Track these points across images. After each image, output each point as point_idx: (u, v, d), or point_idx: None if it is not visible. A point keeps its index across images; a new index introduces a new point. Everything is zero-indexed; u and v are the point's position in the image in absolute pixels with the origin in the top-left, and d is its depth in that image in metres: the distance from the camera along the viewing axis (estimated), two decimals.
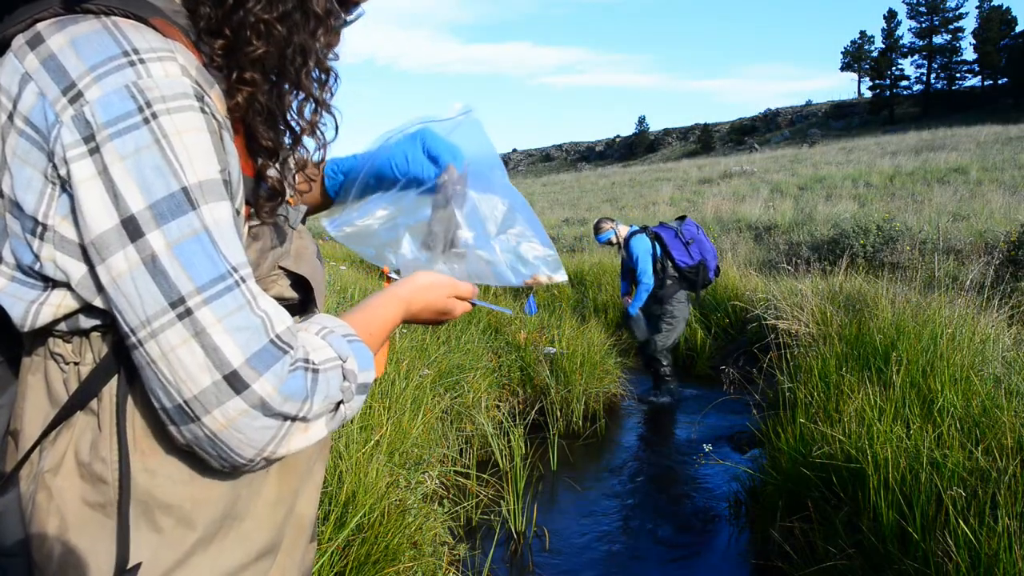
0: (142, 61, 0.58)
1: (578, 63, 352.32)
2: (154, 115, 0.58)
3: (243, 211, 0.69)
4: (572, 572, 2.94)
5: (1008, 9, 58.55)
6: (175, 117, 0.59)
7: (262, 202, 0.73)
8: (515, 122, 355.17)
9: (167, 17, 0.64)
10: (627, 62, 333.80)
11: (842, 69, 72.75)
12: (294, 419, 0.63)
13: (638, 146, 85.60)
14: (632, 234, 5.16)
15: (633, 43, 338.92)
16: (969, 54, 62.53)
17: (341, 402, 0.69)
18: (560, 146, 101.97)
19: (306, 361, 0.64)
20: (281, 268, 0.78)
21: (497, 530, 3.17)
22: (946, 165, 17.73)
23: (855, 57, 71.00)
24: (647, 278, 4.98)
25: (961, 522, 1.91)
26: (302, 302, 0.82)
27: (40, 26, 0.60)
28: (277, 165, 0.75)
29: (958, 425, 2.46)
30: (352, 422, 2.80)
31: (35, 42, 0.59)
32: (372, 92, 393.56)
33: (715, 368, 5.56)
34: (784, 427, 3.08)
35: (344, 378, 0.68)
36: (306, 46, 0.71)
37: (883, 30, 66.31)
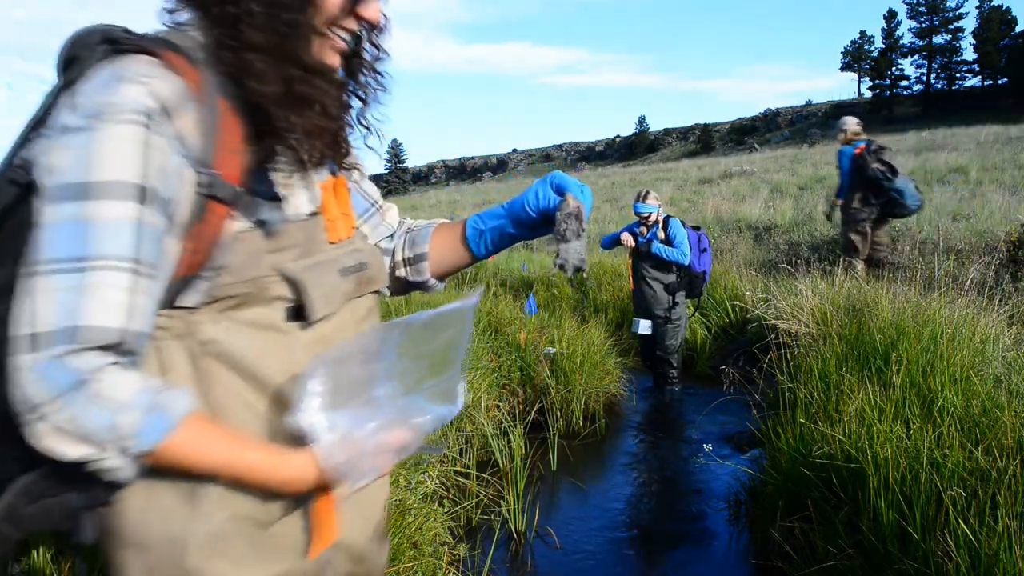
0: (119, 81, 0.72)
1: (578, 63, 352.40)
2: (96, 117, 0.70)
3: (209, 217, 0.77)
4: (572, 572, 2.94)
5: (1008, 9, 58.57)
6: (113, 123, 0.70)
7: (249, 204, 0.79)
8: (515, 122, 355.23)
9: (176, 49, 0.77)
10: (627, 62, 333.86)
11: (842, 69, 72.77)
12: (33, 407, 0.68)
13: (638, 146, 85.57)
14: (668, 216, 5.23)
15: (633, 43, 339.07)
16: (969, 54, 62.52)
17: (103, 448, 0.70)
18: (560, 146, 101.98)
19: (83, 375, 0.69)
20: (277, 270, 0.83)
21: (497, 530, 3.17)
22: (946, 165, 17.72)
23: (855, 57, 71.00)
24: (685, 248, 5.01)
25: (961, 522, 1.91)
26: (298, 307, 0.84)
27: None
28: (284, 166, 0.84)
29: (958, 425, 2.46)
30: None
31: None
32: None
33: (715, 368, 5.55)
34: (784, 427, 3.08)
35: (115, 426, 0.69)
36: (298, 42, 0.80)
37: (883, 30, 66.31)
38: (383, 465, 0.85)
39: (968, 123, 35.08)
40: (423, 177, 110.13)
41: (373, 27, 0.90)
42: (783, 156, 29.48)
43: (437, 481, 3.17)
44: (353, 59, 0.92)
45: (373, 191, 1.09)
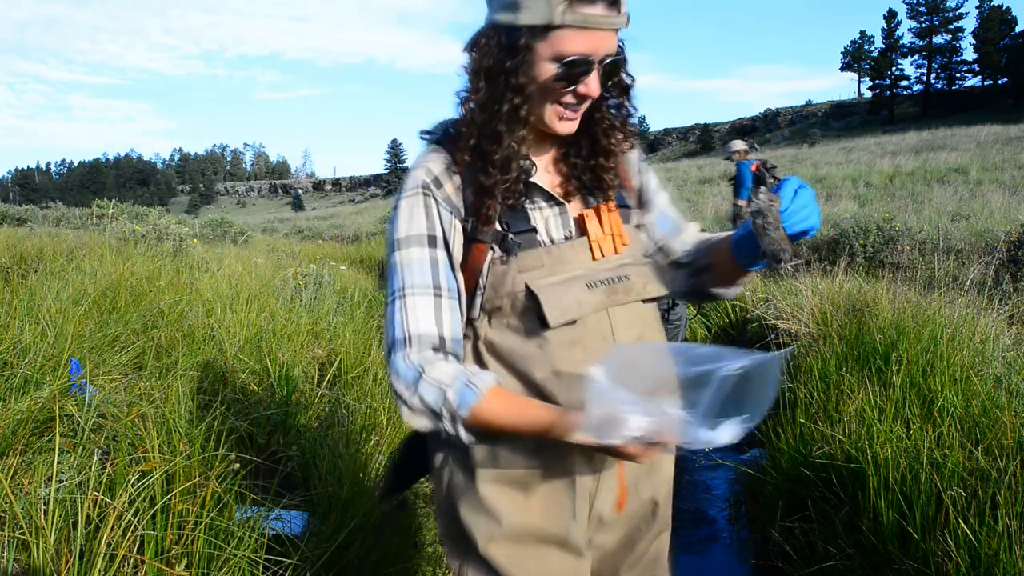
0: (413, 167, 1.10)
1: None
2: (400, 197, 1.08)
3: (474, 252, 1.08)
4: None
5: (1008, 9, 58.50)
6: (406, 198, 1.07)
7: (500, 239, 1.07)
8: None
9: (452, 136, 1.09)
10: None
11: (842, 69, 72.73)
12: (399, 397, 1.03)
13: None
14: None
15: (633, 43, 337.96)
16: (969, 54, 62.46)
17: (441, 417, 1.01)
18: None
19: (421, 367, 1.02)
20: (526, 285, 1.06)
21: None
22: (946, 165, 17.72)
23: (855, 57, 70.97)
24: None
25: (961, 522, 1.91)
26: (540, 316, 1.05)
27: None
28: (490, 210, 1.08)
29: (958, 425, 2.46)
30: (352, 422, 2.80)
31: None
32: (372, 92, 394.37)
33: None
34: (784, 427, 3.08)
35: (445, 399, 1.00)
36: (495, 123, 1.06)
37: (883, 30, 66.26)
38: (630, 441, 0.92)
39: (968, 123, 35.06)
40: None
41: (614, 92, 1.13)
42: (783, 156, 29.48)
43: None
44: (595, 115, 1.13)
45: (674, 214, 1.30)
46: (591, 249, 1.10)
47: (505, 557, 1.08)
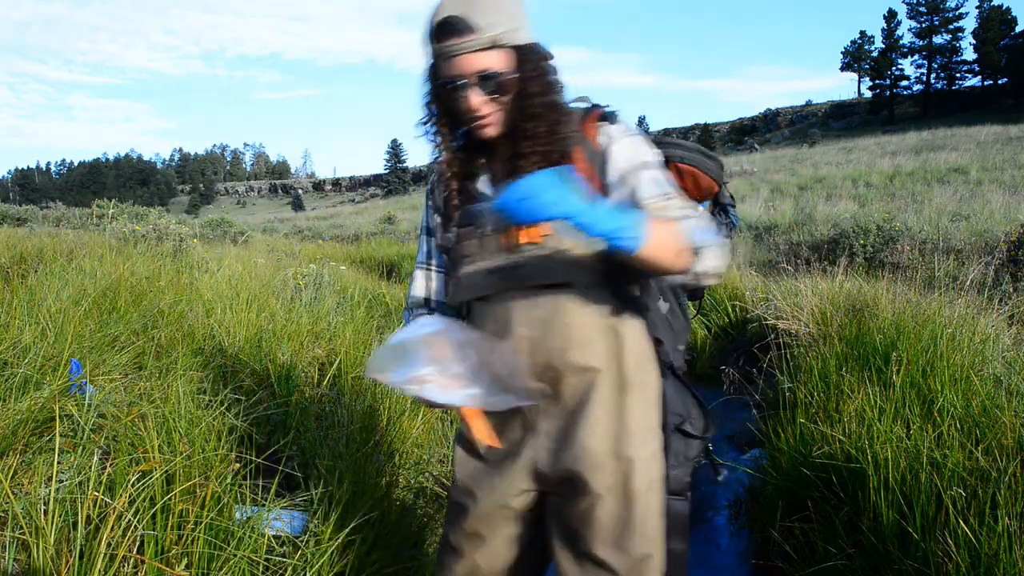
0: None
1: (578, 63, 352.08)
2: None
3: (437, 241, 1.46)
4: None
5: (1008, 9, 58.46)
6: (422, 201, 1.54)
7: (442, 231, 1.42)
8: None
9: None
10: (627, 62, 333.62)
11: (842, 69, 72.68)
12: None
13: None
14: None
15: (633, 43, 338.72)
16: (969, 54, 62.41)
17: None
18: None
19: (409, 314, 1.50)
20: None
21: None
22: (946, 165, 17.73)
23: (855, 57, 70.94)
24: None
25: (961, 522, 1.91)
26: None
27: None
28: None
29: (958, 425, 2.46)
30: (352, 422, 2.80)
31: None
32: (372, 92, 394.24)
33: (715, 368, 5.55)
34: (784, 427, 3.08)
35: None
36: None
37: (883, 30, 66.22)
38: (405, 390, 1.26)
39: (968, 123, 35.06)
40: (423, 177, 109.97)
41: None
42: (783, 156, 29.47)
43: (435, 482, 3.17)
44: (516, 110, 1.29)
45: (647, 200, 1.35)
46: (506, 240, 1.29)
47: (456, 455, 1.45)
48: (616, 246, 1.07)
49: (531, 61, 1.26)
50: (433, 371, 1.24)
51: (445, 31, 1.19)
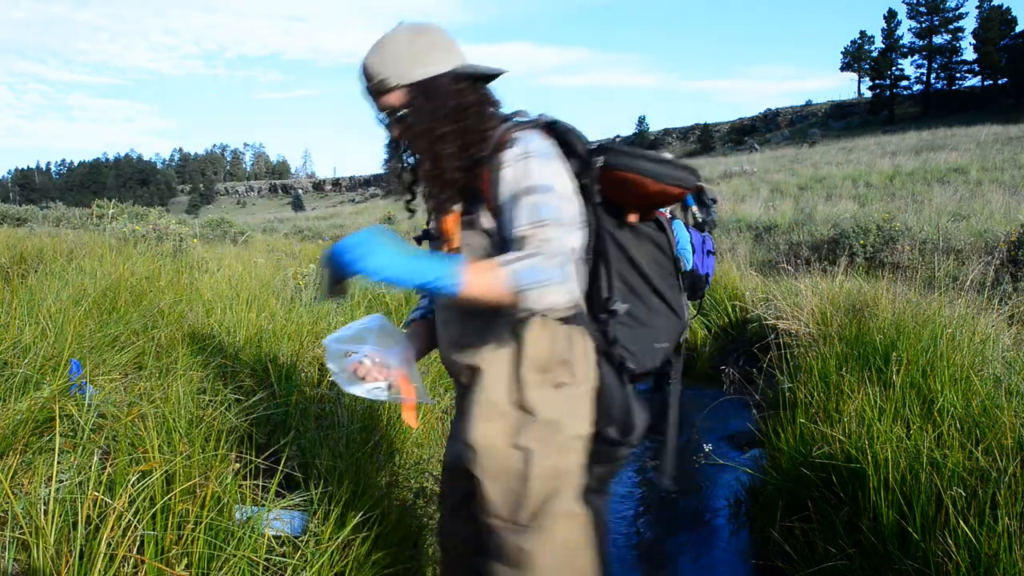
0: None
1: (578, 63, 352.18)
2: None
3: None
4: None
5: (1008, 9, 58.49)
6: None
7: (419, 236, 1.60)
8: None
9: None
10: (627, 62, 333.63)
11: (842, 69, 72.71)
12: None
13: (638, 146, 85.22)
14: (673, 217, 5.17)
15: (633, 43, 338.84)
16: (969, 54, 62.43)
17: None
18: None
19: None
20: None
21: None
22: (946, 165, 17.73)
23: (855, 57, 70.95)
24: (687, 253, 4.97)
25: (961, 522, 1.91)
26: None
27: None
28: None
29: (958, 425, 2.46)
30: (352, 422, 2.80)
31: None
32: None
33: (715, 368, 5.55)
34: (784, 427, 3.08)
35: None
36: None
37: (883, 30, 66.24)
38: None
39: (968, 123, 35.06)
40: None
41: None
42: (783, 156, 29.47)
43: (435, 482, 3.17)
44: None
45: (517, 224, 1.46)
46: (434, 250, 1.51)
47: None
48: (438, 291, 1.21)
49: (421, 96, 1.39)
50: (359, 362, 1.42)
51: (362, 75, 1.42)
